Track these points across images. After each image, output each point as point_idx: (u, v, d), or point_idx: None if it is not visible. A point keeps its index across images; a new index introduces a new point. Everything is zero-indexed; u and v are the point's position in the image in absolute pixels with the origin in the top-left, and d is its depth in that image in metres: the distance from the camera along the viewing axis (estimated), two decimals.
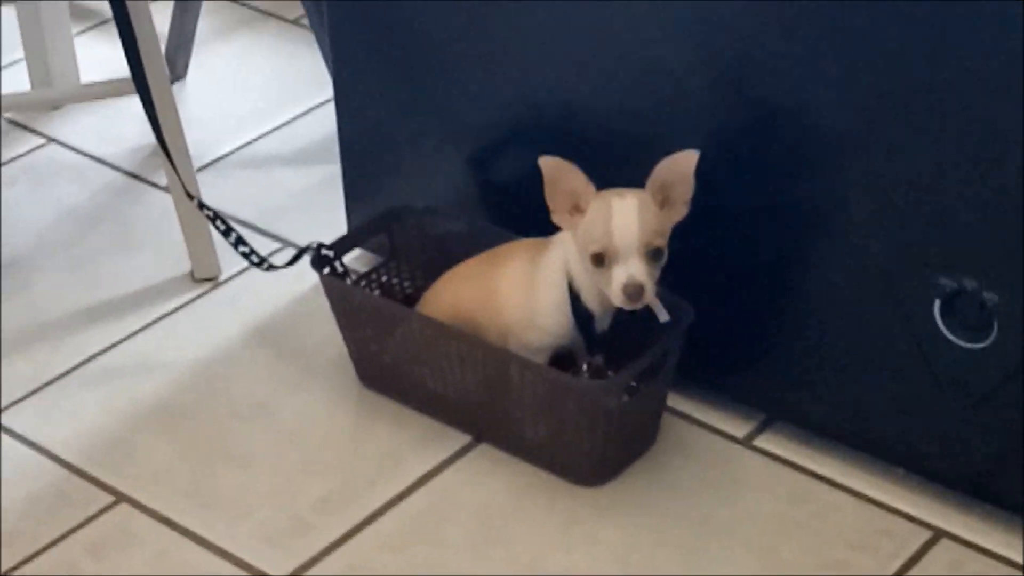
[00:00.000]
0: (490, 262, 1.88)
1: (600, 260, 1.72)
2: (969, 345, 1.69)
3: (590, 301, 1.80)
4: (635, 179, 1.86)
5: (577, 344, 1.84)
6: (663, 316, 1.79)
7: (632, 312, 1.75)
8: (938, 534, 1.76)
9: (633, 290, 1.70)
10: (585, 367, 1.86)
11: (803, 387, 1.84)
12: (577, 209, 1.75)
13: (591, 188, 1.75)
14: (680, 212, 1.75)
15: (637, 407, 1.83)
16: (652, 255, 1.72)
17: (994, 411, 1.71)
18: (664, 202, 1.74)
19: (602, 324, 1.82)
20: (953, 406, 1.73)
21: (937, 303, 1.70)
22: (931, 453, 1.78)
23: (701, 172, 1.81)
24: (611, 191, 1.75)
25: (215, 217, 2.01)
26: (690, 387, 1.93)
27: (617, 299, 1.72)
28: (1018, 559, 1.73)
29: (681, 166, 1.73)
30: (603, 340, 1.84)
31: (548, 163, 1.75)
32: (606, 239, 1.71)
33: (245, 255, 2.01)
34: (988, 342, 1.68)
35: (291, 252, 2.00)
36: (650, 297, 1.72)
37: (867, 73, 1.64)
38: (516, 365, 1.80)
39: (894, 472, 1.82)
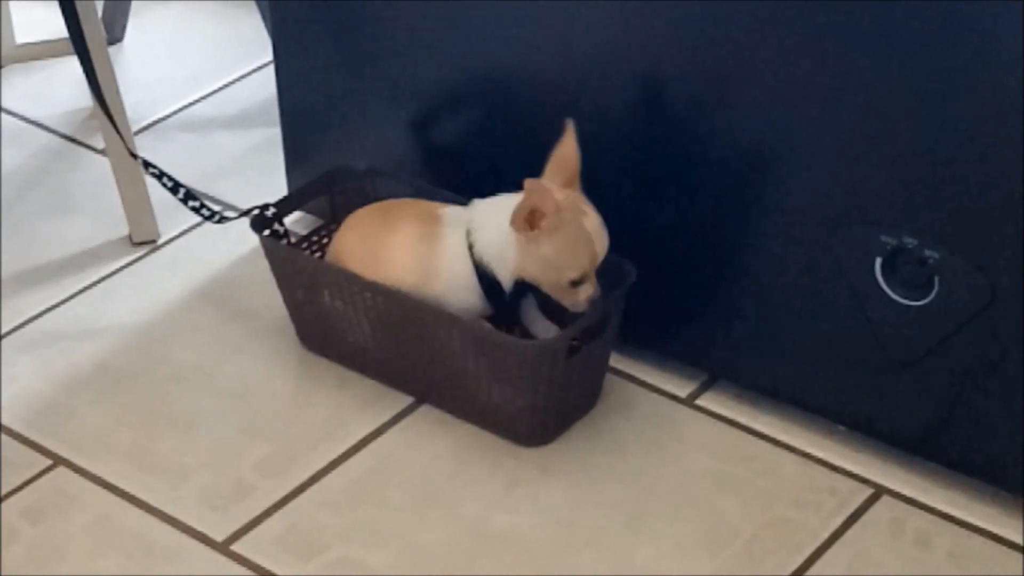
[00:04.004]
0: (378, 225, 1.87)
1: (576, 283, 1.76)
2: (910, 302, 1.70)
3: (504, 275, 1.80)
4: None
5: (484, 313, 1.84)
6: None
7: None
8: (879, 491, 1.77)
9: (593, 301, 1.77)
10: None
11: (745, 346, 1.85)
12: (534, 223, 1.75)
13: (557, 209, 1.74)
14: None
15: (579, 367, 1.83)
16: None
17: (935, 369, 1.72)
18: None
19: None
20: (894, 364, 1.74)
21: (878, 261, 1.70)
22: (872, 411, 1.79)
23: (643, 133, 1.81)
24: (572, 209, 1.74)
25: (161, 175, 1.99)
26: (632, 347, 1.93)
27: (578, 308, 1.77)
28: (957, 514, 1.74)
29: (569, 147, 1.77)
30: (511, 307, 1.83)
31: (532, 184, 1.73)
32: (589, 265, 1.76)
33: (195, 209, 1.99)
34: (929, 299, 1.69)
35: (232, 215, 1.98)
36: None
37: (805, 31, 1.64)
38: (455, 325, 1.79)
39: (835, 430, 1.83)
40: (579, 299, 1.77)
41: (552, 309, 1.84)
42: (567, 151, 1.77)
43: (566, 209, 1.74)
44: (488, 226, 1.79)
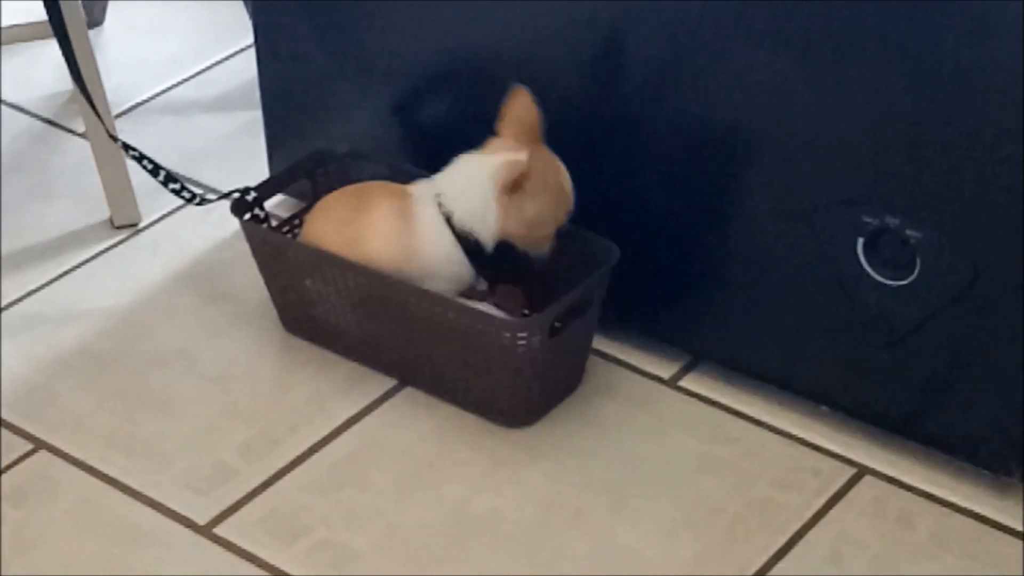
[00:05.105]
0: (352, 209, 1.88)
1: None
2: (892, 282, 1.70)
3: (486, 237, 1.81)
4: (549, 121, 1.86)
5: (467, 284, 1.86)
6: None
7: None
8: (862, 471, 1.77)
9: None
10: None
11: (728, 327, 1.85)
12: (519, 186, 1.78)
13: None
14: None
15: (562, 348, 1.83)
16: None
17: (917, 348, 1.72)
18: None
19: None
20: (876, 344, 1.74)
21: (860, 241, 1.70)
22: (855, 391, 1.79)
23: (625, 114, 1.81)
24: (552, 168, 1.79)
25: (141, 157, 1.98)
26: (615, 328, 1.93)
27: (543, 256, 1.83)
28: (940, 494, 1.74)
29: (523, 104, 1.81)
30: (495, 265, 1.85)
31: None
32: (564, 218, 1.81)
33: (176, 192, 1.98)
34: (911, 279, 1.69)
35: (212, 198, 1.98)
36: None
37: (788, 16, 1.64)
38: (437, 304, 1.79)
39: (818, 410, 1.83)
40: (546, 248, 1.82)
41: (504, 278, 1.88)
42: (522, 108, 1.80)
43: (547, 169, 1.78)
44: (463, 193, 1.81)
